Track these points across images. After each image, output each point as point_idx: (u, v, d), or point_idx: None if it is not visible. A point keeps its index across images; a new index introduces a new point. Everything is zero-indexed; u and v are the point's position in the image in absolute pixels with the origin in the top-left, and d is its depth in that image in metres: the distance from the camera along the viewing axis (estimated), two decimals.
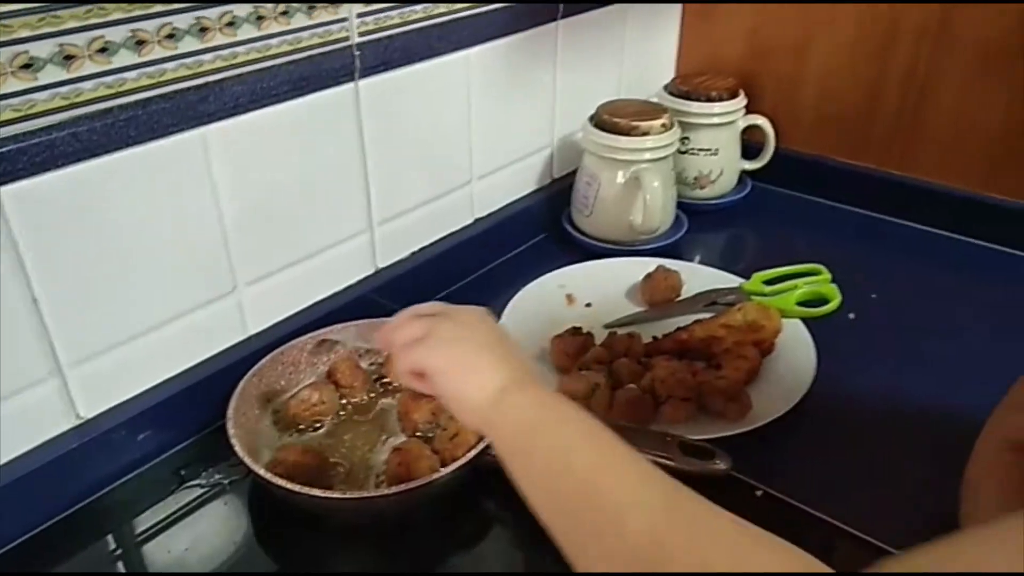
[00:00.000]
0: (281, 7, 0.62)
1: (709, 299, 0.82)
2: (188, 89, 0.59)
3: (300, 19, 0.64)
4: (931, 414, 0.69)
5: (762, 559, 0.33)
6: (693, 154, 1.01)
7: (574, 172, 0.98)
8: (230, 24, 0.60)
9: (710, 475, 0.55)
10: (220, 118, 0.61)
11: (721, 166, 1.02)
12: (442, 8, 0.76)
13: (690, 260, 0.91)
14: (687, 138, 1.01)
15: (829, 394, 0.70)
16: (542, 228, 1.00)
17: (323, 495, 0.55)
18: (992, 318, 0.83)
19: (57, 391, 0.59)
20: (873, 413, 0.70)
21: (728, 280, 0.85)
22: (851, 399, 0.71)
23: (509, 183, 0.95)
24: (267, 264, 0.71)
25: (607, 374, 0.68)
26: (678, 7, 1.11)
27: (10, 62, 0.49)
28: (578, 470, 0.40)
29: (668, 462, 0.55)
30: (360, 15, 0.69)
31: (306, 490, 0.55)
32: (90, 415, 0.62)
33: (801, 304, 0.79)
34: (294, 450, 0.60)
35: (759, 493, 0.60)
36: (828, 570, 0.32)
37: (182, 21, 0.57)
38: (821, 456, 0.66)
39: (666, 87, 1.03)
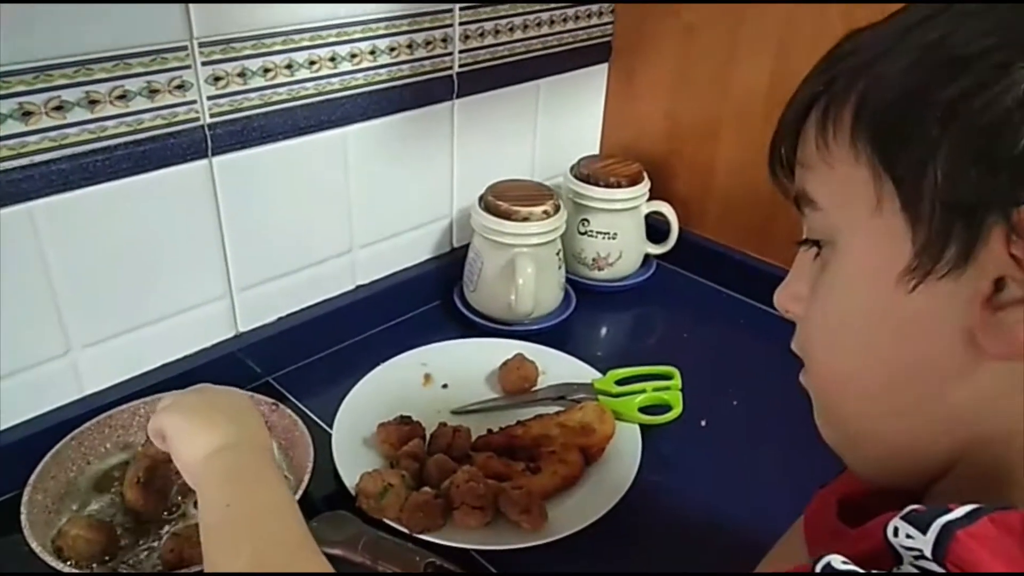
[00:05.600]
0: (118, 91, 0.65)
1: (560, 393, 0.82)
2: (12, 168, 0.61)
3: (140, 102, 0.67)
4: (745, 543, 0.67)
5: None
6: (591, 236, 1.02)
7: None
8: (57, 108, 0.62)
9: None
10: (47, 195, 0.64)
11: (620, 249, 1.02)
12: (310, 88, 0.78)
13: (564, 345, 0.91)
14: (586, 219, 1.01)
15: (640, 509, 0.69)
16: (435, 296, 1.01)
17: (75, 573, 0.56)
18: None
19: None
20: (682, 535, 0.69)
21: (585, 374, 0.85)
22: (663, 518, 0.70)
23: (399, 251, 0.96)
24: (106, 329, 0.72)
25: (414, 471, 0.68)
26: (602, 84, 1.12)
27: None
28: (227, 525, 0.48)
29: None
30: (211, 97, 0.71)
31: (64, 568, 0.56)
32: None
33: (643, 410, 0.79)
34: (79, 523, 0.61)
35: None
36: None
37: (4, 106, 0.59)
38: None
39: (572, 169, 1.04)
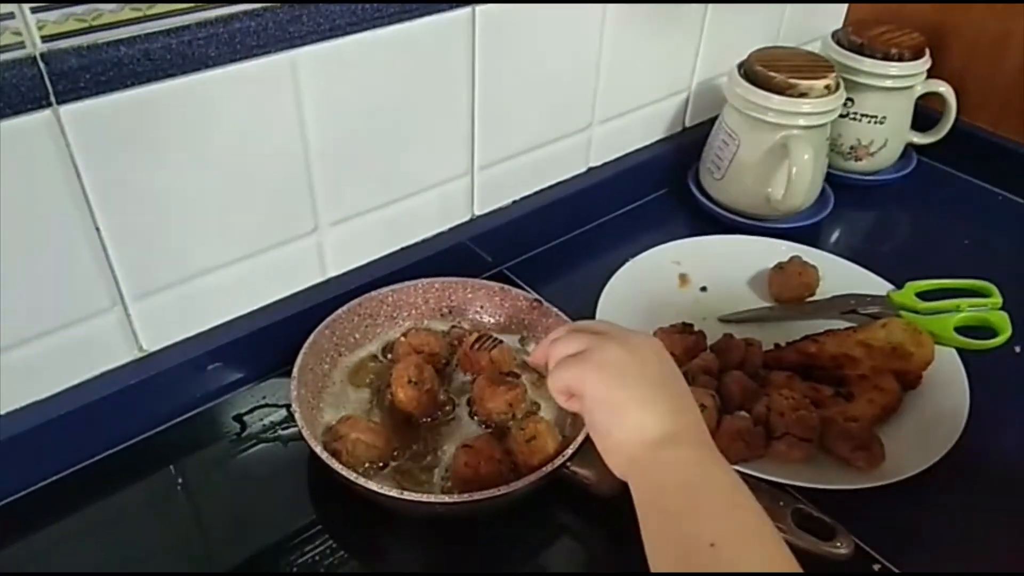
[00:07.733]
0: None
1: (848, 305, 0.70)
2: (278, 7, 0.50)
3: None
4: None
5: None
6: (855, 119, 0.86)
7: (709, 121, 0.86)
8: None
9: (825, 558, 0.46)
10: (313, 41, 0.53)
11: (886, 136, 0.87)
12: None
13: (832, 248, 0.78)
14: (851, 99, 0.85)
15: (981, 449, 0.58)
16: (664, 183, 0.88)
17: (377, 489, 0.49)
18: None
19: (119, 323, 0.55)
20: None
21: (874, 285, 0.72)
22: (1009, 458, 0.59)
23: (633, 130, 0.84)
24: (353, 204, 0.64)
25: (716, 390, 0.58)
26: None
27: None
28: (714, 556, 0.37)
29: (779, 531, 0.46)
30: None
31: (360, 481, 0.50)
32: (152, 349, 0.58)
33: (960, 331, 0.66)
34: (359, 425, 0.54)
35: (877, 568, 0.51)
36: None
37: None
38: (964, 529, 0.55)
39: (835, 35, 0.87)
